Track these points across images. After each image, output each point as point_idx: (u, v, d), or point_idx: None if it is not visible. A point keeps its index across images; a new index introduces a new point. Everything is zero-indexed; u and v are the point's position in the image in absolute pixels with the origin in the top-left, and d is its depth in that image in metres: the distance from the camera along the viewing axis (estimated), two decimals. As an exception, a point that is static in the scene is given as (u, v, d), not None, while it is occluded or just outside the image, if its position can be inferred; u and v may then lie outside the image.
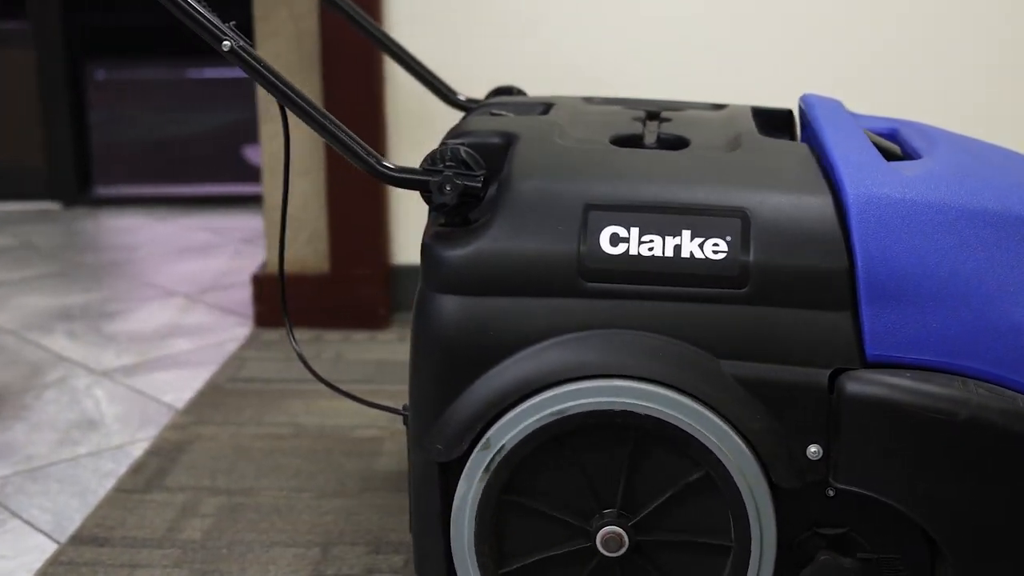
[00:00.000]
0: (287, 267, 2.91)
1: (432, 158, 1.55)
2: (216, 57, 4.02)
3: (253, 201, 4.05)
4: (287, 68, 2.83)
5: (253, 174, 3.99)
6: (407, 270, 2.94)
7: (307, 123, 1.56)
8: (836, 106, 1.71)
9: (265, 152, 2.88)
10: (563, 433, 1.48)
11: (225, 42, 1.55)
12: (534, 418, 1.48)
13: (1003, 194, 1.52)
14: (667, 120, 1.74)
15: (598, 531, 1.50)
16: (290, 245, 2.91)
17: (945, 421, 1.45)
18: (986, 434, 1.45)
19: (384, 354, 2.75)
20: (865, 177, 1.50)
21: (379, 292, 2.88)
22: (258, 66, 1.56)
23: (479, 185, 1.53)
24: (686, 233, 1.48)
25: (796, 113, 1.85)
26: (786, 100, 2.60)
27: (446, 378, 1.51)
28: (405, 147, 2.87)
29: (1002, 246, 1.49)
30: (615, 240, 1.49)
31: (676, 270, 1.48)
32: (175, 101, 4.08)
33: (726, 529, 1.51)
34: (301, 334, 2.86)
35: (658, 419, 1.47)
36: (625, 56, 2.81)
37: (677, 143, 1.64)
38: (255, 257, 3.50)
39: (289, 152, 1.62)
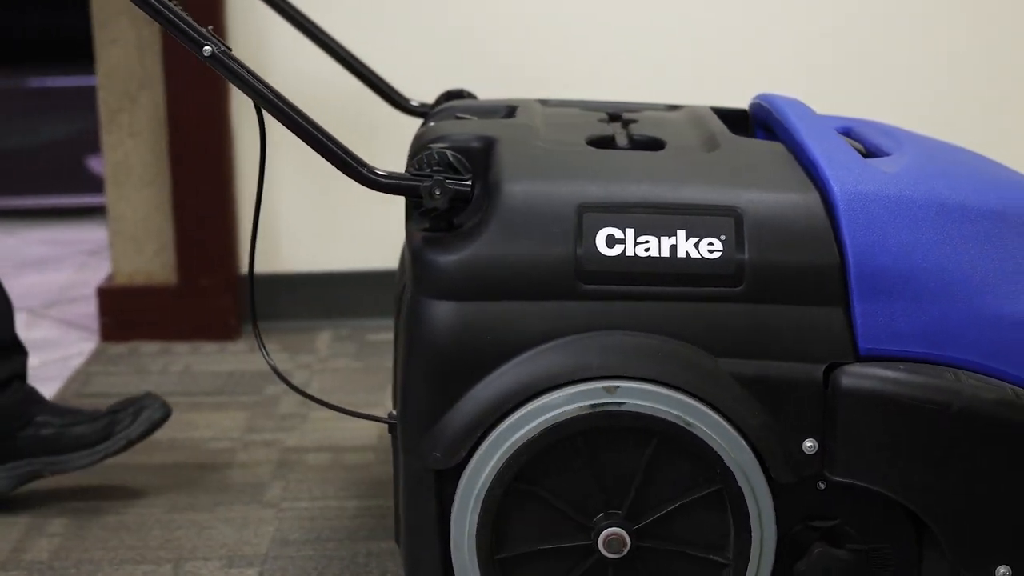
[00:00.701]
0: (134, 279, 2.85)
1: (419, 163, 1.53)
2: (57, 65, 3.93)
3: (97, 212, 3.95)
4: (126, 78, 2.76)
5: (96, 185, 3.89)
6: (257, 279, 2.87)
7: (292, 130, 1.53)
8: (802, 106, 1.74)
9: (108, 162, 2.82)
10: (568, 436, 1.48)
11: (206, 47, 1.52)
12: (536, 422, 1.47)
13: (978, 190, 1.57)
14: (632, 121, 1.75)
15: (601, 531, 1.50)
16: (136, 256, 2.85)
17: (940, 412, 1.48)
18: (979, 423, 1.49)
19: (235, 365, 2.70)
20: (849, 174, 1.54)
21: (228, 302, 2.83)
22: (240, 71, 1.53)
23: (469, 189, 1.52)
24: (681, 233, 1.50)
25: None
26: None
27: (442, 385, 1.50)
28: (252, 153, 2.82)
29: (983, 240, 1.53)
30: (611, 241, 1.49)
31: (673, 270, 1.49)
32: (14, 110, 3.96)
33: (726, 546, 1.52)
34: (149, 347, 2.80)
35: (661, 419, 1.47)
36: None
37: (652, 144, 1.65)
38: (100, 269, 3.41)
39: (264, 157, 1.59)
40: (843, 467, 1.50)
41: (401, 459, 1.56)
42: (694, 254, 1.49)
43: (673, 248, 1.49)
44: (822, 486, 1.53)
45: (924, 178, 1.56)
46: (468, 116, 1.78)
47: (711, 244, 1.49)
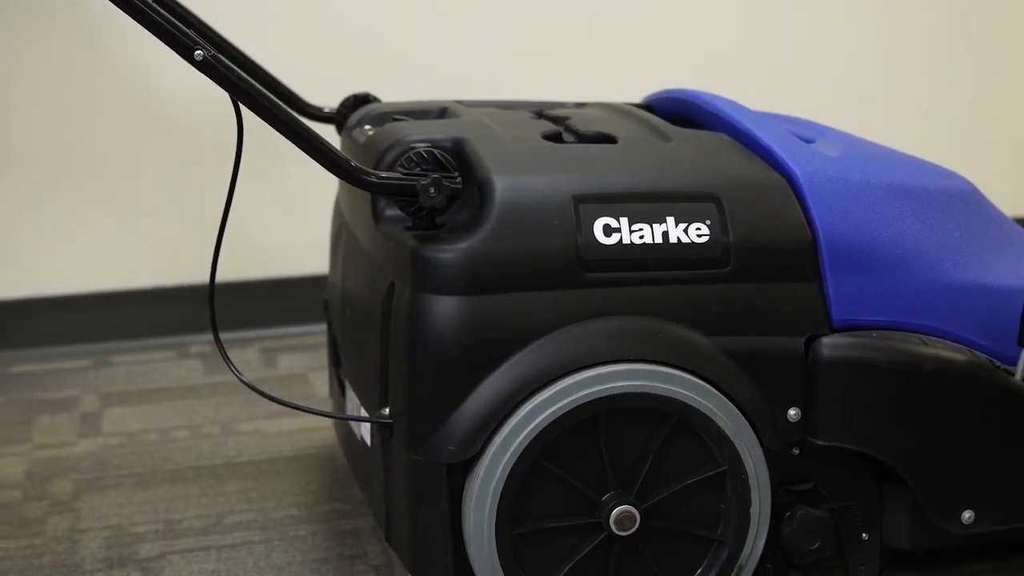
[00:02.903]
0: None
1: (408, 162, 1.54)
2: None
3: None
4: None
5: None
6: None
7: (287, 137, 1.51)
8: (729, 100, 1.83)
9: None
10: (581, 420, 1.53)
11: (198, 51, 1.48)
12: (552, 409, 1.51)
13: (910, 172, 1.71)
14: (564, 118, 1.80)
15: (613, 509, 1.55)
16: None
17: (911, 374, 1.61)
18: (947, 382, 1.62)
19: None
20: (804, 158, 1.64)
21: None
22: (232, 77, 1.50)
23: (460, 186, 1.55)
24: (670, 219, 1.56)
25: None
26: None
27: (452, 379, 1.52)
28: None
29: (926, 216, 1.67)
30: (608, 231, 1.54)
31: (666, 255, 1.56)
32: None
33: (725, 523, 1.60)
34: None
35: (670, 398, 1.54)
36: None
37: (603, 138, 1.71)
38: None
39: (239, 161, 1.57)
40: (825, 431, 1.61)
41: (403, 457, 1.56)
42: (684, 239, 1.56)
43: (665, 234, 1.56)
44: (796, 452, 1.63)
45: (863, 161, 1.69)
46: (404, 117, 1.79)
47: (698, 229, 1.57)
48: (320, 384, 2.53)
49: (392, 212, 1.64)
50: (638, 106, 1.94)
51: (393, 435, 1.59)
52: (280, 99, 1.98)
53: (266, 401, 2.39)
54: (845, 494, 1.67)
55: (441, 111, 1.85)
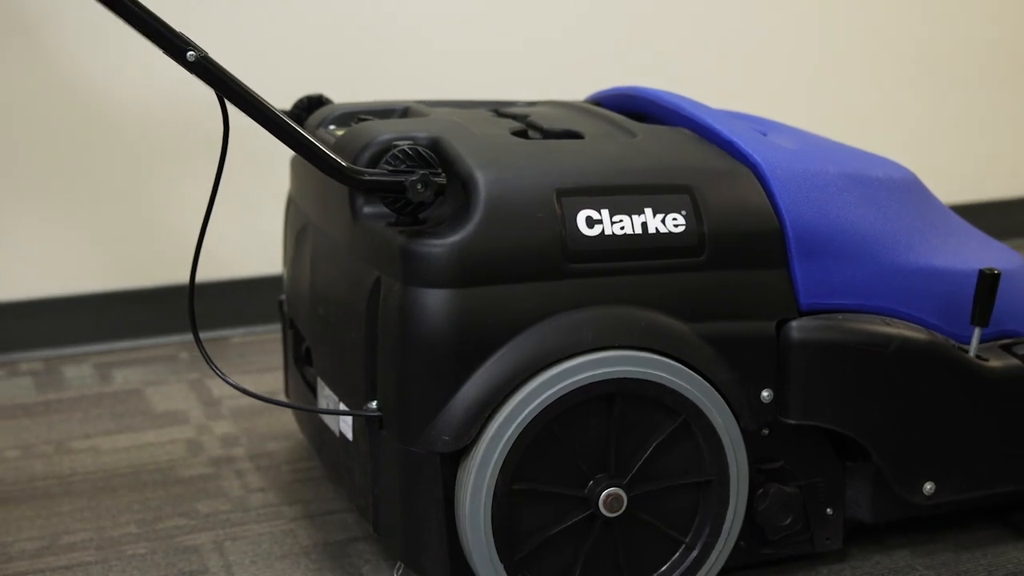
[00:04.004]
0: None
1: (392, 160, 1.57)
2: None
3: None
4: None
5: None
6: None
7: (278, 137, 1.53)
8: (684, 97, 1.88)
9: None
10: (572, 405, 1.57)
11: (190, 52, 1.50)
12: (545, 395, 1.56)
13: (861, 163, 1.78)
14: (523, 116, 1.84)
15: (599, 496, 1.60)
16: None
17: (878, 354, 1.68)
18: (911, 361, 1.70)
19: None
20: (767, 151, 1.71)
21: None
22: (224, 78, 1.52)
23: (445, 182, 1.58)
24: (648, 211, 1.62)
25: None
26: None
27: (445, 371, 1.55)
28: None
29: (881, 204, 1.75)
30: (591, 222, 1.59)
31: (646, 245, 1.61)
32: None
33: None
34: None
35: (657, 383, 1.59)
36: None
37: (569, 134, 1.75)
38: None
39: (224, 159, 1.59)
40: (796, 411, 1.67)
41: (394, 449, 1.59)
42: (662, 229, 1.62)
43: (644, 225, 1.61)
44: (766, 432, 1.70)
45: (818, 152, 1.76)
46: (370, 117, 1.81)
47: (675, 219, 1.62)
48: (158, 399, 2.50)
49: (371, 209, 1.67)
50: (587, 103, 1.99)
51: (382, 428, 1.62)
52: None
53: (102, 418, 2.38)
54: (811, 471, 1.74)
55: (404, 111, 1.88)
